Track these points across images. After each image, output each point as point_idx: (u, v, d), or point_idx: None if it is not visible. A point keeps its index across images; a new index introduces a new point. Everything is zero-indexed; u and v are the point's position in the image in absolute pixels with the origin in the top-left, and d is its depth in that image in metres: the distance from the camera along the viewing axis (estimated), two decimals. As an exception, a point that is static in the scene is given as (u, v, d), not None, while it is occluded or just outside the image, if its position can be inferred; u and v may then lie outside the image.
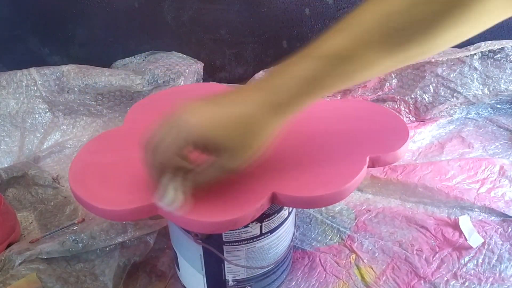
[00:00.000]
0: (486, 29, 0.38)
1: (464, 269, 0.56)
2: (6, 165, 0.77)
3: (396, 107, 0.86)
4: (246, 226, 0.45)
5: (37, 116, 0.83)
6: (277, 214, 0.47)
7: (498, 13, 0.37)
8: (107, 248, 0.56)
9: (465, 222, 0.63)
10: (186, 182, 0.38)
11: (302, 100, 0.37)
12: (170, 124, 0.37)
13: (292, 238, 0.54)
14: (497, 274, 0.56)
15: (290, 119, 0.38)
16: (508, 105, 0.87)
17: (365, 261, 0.59)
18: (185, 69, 0.85)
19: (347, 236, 0.63)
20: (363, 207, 0.68)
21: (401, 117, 0.85)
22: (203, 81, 0.91)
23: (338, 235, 0.63)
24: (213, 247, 0.46)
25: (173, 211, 0.37)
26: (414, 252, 0.59)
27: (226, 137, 0.36)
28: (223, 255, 0.47)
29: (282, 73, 0.38)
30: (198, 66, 0.89)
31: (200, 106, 0.37)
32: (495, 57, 0.83)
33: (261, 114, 0.36)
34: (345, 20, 0.37)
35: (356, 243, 0.61)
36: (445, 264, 0.57)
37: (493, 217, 0.64)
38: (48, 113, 0.84)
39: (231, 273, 0.49)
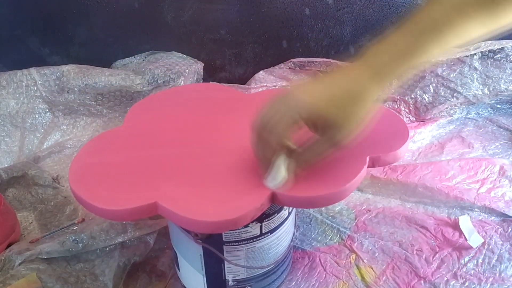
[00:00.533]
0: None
1: (464, 269, 0.56)
2: (6, 165, 0.77)
3: (396, 107, 0.86)
4: (246, 226, 0.45)
5: (37, 116, 0.83)
6: (277, 214, 0.47)
7: None
8: (107, 248, 0.56)
9: (465, 222, 0.63)
10: (293, 161, 0.40)
11: (401, 71, 0.39)
12: (281, 102, 0.39)
13: (292, 238, 0.54)
14: (497, 274, 0.56)
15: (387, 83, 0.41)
16: (508, 105, 0.87)
17: (365, 261, 0.59)
18: (185, 69, 0.85)
19: (347, 236, 0.63)
20: (363, 207, 0.68)
21: (401, 117, 0.85)
22: (203, 81, 0.91)
23: (338, 235, 0.63)
24: (213, 247, 0.46)
25: (279, 189, 0.39)
26: (414, 252, 0.59)
27: (335, 110, 0.38)
28: (223, 255, 0.47)
29: (385, 50, 0.39)
30: (198, 66, 0.89)
31: (308, 84, 0.40)
32: (495, 57, 0.83)
33: (366, 87, 0.39)
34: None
35: (356, 243, 0.61)
36: (445, 264, 0.57)
37: (493, 217, 0.64)
38: (48, 113, 0.84)
39: (231, 273, 0.49)
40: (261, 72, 0.91)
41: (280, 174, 0.39)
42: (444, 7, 0.38)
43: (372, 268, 0.58)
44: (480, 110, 0.87)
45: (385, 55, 0.39)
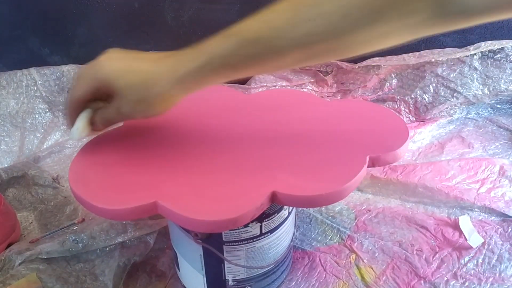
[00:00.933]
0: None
1: (464, 269, 0.56)
2: (6, 165, 0.77)
3: (396, 107, 0.86)
4: (246, 226, 0.45)
5: (37, 116, 0.83)
6: (277, 214, 0.47)
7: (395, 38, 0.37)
8: (107, 248, 0.56)
9: (465, 222, 0.63)
10: (96, 116, 0.44)
11: (207, 75, 0.40)
12: (89, 65, 0.43)
13: (292, 238, 0.54)
14: (497, 274, 0.56)
15: (193, 92, 0.42)
16: (508, 105, 0.87)
17: (365, 261, 0.59)
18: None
19: (347, 236, 0.63)
20: (363, 207, 0.68)
21: (401, 117, 0.85)
22: (203, 81, 0.91)
23: (338, 235, 0.63)
24: (213, 247, 0.46)
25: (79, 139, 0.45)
26: (414, 252, 0.59)
27: (124, 85, 0.41)
28: (223, 255, 0.47)
29: (196, 47, 0.41)
30: (198, 66, 0.89)
31: (119, 54, 0.43)
32: (495, 57, 0.83)
33: (163, 77, 0.40)
34: (269, 6, 0.40)
35: (356, 243, 0.61)
36: (445, 264, 0.57)
37: (493, 217, 0.64)
38: (48, 113, 0.84)
39: (231, 273, 0.49)
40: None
41: (76, 124, 0.44)
42: (261, 19, 0.39)
43: (372, 268, 0.58)
44: (480, 110, 0.87)
45: (191, 51, 0.40)
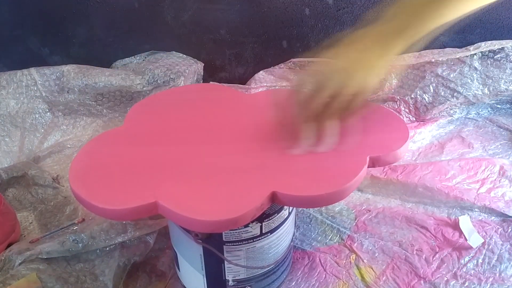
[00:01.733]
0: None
1: (464, 269, 0.56)
2: (6, 165, 0.77)
3: (396, 107, 0.86)
4: (246, 226, 0.45)
5: (37, 116, 0.83)
6: (277, 214, 0.47)
7: None
8: (107, 248, 0.56)
9: (465, 222, 0.63)
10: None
11: (403, 43, 0.45)
12: (329, 77, 0.45)
13: (292, 238, 0.54)
14: (497, 274, 0.56)
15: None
16: (508, 105, 0.87)
17: (365, 261, 0.59)
18: (185, 69, 0.85)
19: (347, 236, 0.63)
20: (363, 207, 0.68)
21: (401, 117, 0.85)
22: (203, 81, 0.91)
23: (338, 235, 0.63)
24: (213, 247, 0.46)
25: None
26: (414, 252, 0.59)
27: (372, 78, 0.46)
28: (223, 255, 0.47)
29: (402, 12, 0.46)
30: (198, 66, 0.89)
31: (347, 57, 0.46)
32: (495, 57, 0.83)
33: (391, 49, 0.45)
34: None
35: (356, 243, 0.61)
36: (445, 264, 0.57)
37: (493, 217, 0.64)
38: (48, 113, 0.84)
39: (231, 273, 0.49)
40: (261, 72, 0.91)
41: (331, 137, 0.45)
42: None
43: (372, 268, 0.58)
44: (480, 110, 0.87)
45: (403, 16, 0.45)
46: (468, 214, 0.65)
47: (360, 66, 0.45)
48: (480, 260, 0.58)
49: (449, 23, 0.46)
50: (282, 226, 0.49)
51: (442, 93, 0.84)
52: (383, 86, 0.86)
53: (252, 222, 0.45)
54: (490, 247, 0.59)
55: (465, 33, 0.87)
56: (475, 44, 0.85)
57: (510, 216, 0.63)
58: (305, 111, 0.45)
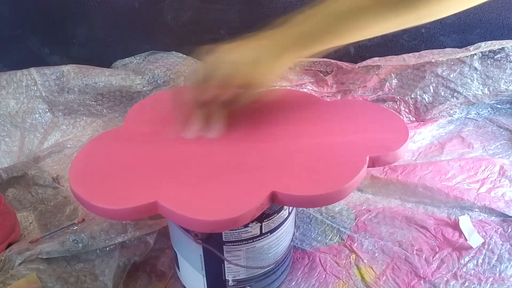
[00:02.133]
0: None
1: (464, 269, 0.56)
2: (6, 165, 0.77)
3: (396, 107, 0.86)
4: (246, 226, 0.45)
5: (37, 116, 0.83)
6: (277, 214, 0.47)
7: None
8: (107, 248, 0.56)
9: (465, 222, 0.63)
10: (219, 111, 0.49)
11: (303, 50, 0.47)
12: (214, 64, 0.47)
13: (292, 238, 0.54)
14: (497, 274, 0.56)
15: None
16: (508, 105, 0.87)
17: (365, 261, 0.59)
18: (185, 69, 0.85)
19: (347, 236, 0.63)
20: (363, 207, 0.68)
21: (401, 117, 0.85)
22: (203, 81, 0.91)
23: (338, 235, 0.63)
24: (213, 247, 0.46)
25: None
26: (414, 252, 0.59)
27: (258, 74, 0.47)
28: (223, 255, 0.47)
29: (289, 27, 0.47)
30: (198, 66, 0.89)
31: (236, 47, 0.48)
32: (495, 57, 0.83)
33: (282, 53, 0.47)
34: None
35: (356, 243, 0.61)
36: (445, 264, 0.57)
37: (493, 217, 0.64)
38: (48, 113, 0.84)
39: (231, 273, 0.49)
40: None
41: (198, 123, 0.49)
42: None
43: (372, 268, 0.58)
44: (480, 110, 0.87)
45: (289, 31, 0.46)
46: (468, 214, 0.65)
47: (249, 60, 0.46)
48: (480, 260, 0.58)
49: (356, 43, 0.48)
50: (282, 226, 0.49)
51: (442, 93, 0.84)
52: (383, 86, 0.86)
53: (252, 222, 0.45)
54: (490, 247, 0.59)
55: (465, 33, 0.87)
56: (475, 44, 0.85)
57: (510, 216, 0.63)
58: (195, 99, 0.49)
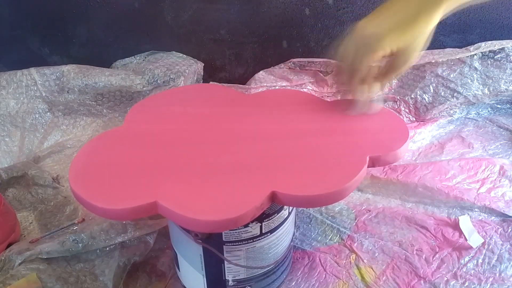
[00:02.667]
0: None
1: (464, 269, 0.56)
2: (6, 165, 0.77)
3: (396, 107, 0.86)
4: (246, 226, 0.45)
5: (37, 116, 0.83)
6: (277, 214, 0.47)
7: None
8: (107, 248, 0.56)
9: (465, 222, 0.63)
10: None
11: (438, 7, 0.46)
12: (359, 41, 0.48)
13: (292, 238, 0.54)
14: (497, 274, 0.56)
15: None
16: (508, 105, 0.87)
17: (365, 261, 0.59)
18: (185, 69, 0.85)
19: (347, 236, 0.63)
20: (363, 207, 0.68)
21: (401, 117, 0.85)
22: (203, 81, 0.91)
23: (338, 235, 0.63)
24: (213, 247, 0.46)
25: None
26: (414, 252, 0.59)
27: (409, 39, 0.47)
28: (223, 255, 0.47)
29: None
30: (198, 66, 0.89)
31: (378, 17, 0.47)
32: (495, 57, 0.83)
33: (431, 12, 0.46)
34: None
35: (356, 243, 0.61)
36: (445, 264, 0.57)
37: (493, 217, 0.64)
38: (48, 113, 0.84)
39: (231, 273, 0.49)
40: (261, 72, 0.91)
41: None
42: None
43: (372, 268, 0.58)
44: (480, 110, 0.87)
45: None
46: (468, 214, 0.65)
47: (392, 27, 0.46)
48: (480, 260, 0.58)
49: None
50: (282, 226, 0.49)
51: (442, 93, 0.84)
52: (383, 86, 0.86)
53: (252, 222, 0.45)
54: (490, 247, 0.59)
55: (465, 33, 0.87)
56: (475, 44, 0.85)
57: (510, 216, 0.63)
58: (353, 76, 0.50)
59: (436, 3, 0.45)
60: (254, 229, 0.46)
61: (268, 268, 0.51)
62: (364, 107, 0.52)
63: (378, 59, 0.48)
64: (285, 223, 0.49)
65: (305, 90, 0.88)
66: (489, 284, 0.55)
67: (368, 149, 0.45)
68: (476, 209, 0.65)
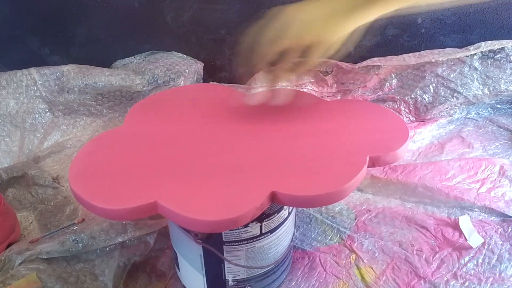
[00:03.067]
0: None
1: (464, 269, 0.56)
2: (6, 165, 0.77)
3: (396, 107, 0.86)
4: (246, 226, 0.45)
5: (37, 116, 0.83)
6: (277, 214, 0.47)
7: None
8: (107, 248, 0.56)
9: (465, 222, 0.63)
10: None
11: (372, 8, 0.45)
12: (278, 23, 0.46)
13: (292, 238, 0.54)
14: (497, 274, 0.56)
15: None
16: (508, 105, 0.87)
17: (365, 261, 0.59)
18: (185, 69, 0.85)
19: (347, 236, 0.63)
20: (363, 207, 0.68)
21: (401, 117, 0.85)
22: (203, 81, 0.91)
23: (338, 235, 0.63)
24: (213, 247, 0.46)
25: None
26: (414, 252, 0.59)
27: (327, 32, 0.46)
28: (223, 255, 0.47)
29: None
30: (198, 66, 0.89)
31: (304, 5, 0.46)
32: (495, 57, 0.83)
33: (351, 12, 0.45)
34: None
35: (356, 243, 0.61)
36: (445, 264, 0.57)
37: (493, 217, 0.64)
38: (48, 113, 0.84)
39: (231, 273, 0.49)
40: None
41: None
42: None
43: (372, 268, 0.58)
44: (480, 110, 0.87)
45: None
46: (468, 214, 0.65)
47: (319, 18, 0.45)
48: (480, 260, 0.58)
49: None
50: (282, 226, 0.49)
51: (442, 93, 0.84)
52: (383, 86, 0.86)
53: (252, 222, 0.45)
54: (490, 247, 0.59)
55: (465, 33, 0.87)
56: (475, 44, 0.85)
57: (510, 216, 0.63)
58: (264, 61, 0.48)
59: (371, 1, 0.45)
60: (254, 229, 0.46)
61: (268, 268, 0.51)
62: (266, 96, 0.51)
63: (294, 47, 0.46)
64: (285, 223, 0.49)
65: (305, 90, 0.88)
66: (489, 284, 0.55)
67: (368, 149, 0.45)
68: (476, 209, 0.65)
